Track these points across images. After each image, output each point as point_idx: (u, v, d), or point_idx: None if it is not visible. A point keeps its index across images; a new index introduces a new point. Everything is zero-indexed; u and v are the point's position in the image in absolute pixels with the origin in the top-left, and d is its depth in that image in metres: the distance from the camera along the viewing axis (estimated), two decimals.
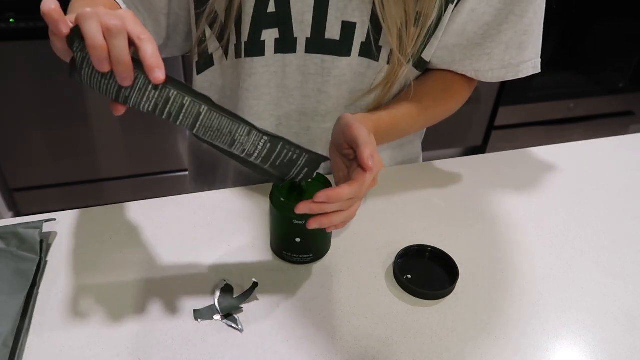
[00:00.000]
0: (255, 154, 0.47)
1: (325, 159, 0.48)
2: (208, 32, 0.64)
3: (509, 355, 0.48)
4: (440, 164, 0.75)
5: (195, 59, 0.69)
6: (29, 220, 0.60)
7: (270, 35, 0.61)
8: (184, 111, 0.45)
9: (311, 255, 0.56)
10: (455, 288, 0.55)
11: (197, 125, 0.46)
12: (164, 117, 0.45)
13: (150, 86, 0.43)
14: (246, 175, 0.74)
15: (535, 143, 1.04)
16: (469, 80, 0.68)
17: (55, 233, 0.60)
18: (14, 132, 1.50)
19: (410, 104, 0.65)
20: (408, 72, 0.66)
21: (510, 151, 0.79)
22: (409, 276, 0.55)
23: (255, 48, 0.62)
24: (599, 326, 0.51)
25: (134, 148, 1.66)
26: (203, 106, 0.44)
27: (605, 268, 0.58)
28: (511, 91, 1.95)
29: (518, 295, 0.54)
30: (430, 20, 0.59)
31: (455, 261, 0.56)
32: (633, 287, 0.56)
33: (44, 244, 0.58)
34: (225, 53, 0.66)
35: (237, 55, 0.64)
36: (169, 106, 0.44)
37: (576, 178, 0.73)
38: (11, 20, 1.35)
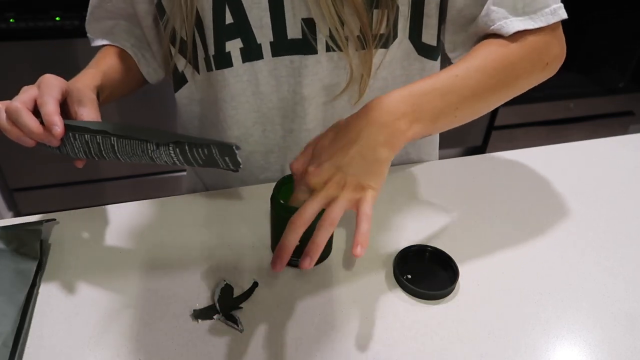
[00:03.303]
0: (177, 162, 0.48)
1: (231, 145, 0.44)
2: (172, 49, 0.65)
3: (509, 356, 0.48)
4: (440, 164, 0.75)
5: (171, 78, 0.71)
6: (29, 220, 0.60)
7: (234, 46, 0.61)
8: (102, 148, 0.49)
9: None
10: (455, 288, 0.55)
11: (118, 155, 0.49)
12: (96, 158, 0.51)
13: (70, 138, 0.50)
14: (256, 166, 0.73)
15: (535, 143, 1.05)
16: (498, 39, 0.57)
17: (56, 233, 0.60)
18: None
19: (448, 67, 0.54)
20: (406, 56, 0.64)
21: (510, 151, 0.79)
22: (409, 276, 0.55)
23: (223, 60, 0.62)
24: (599, 326, 0.51)
25: None
26: (112, 138, 0.48)
27: (605, 268, 0.58)
28: None
29: (518, 295, 0.54)
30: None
31: (455, 261, 0.56)
32: (633, 287, 0.56)
33: (44, 244, 0.58)
34: (196, 68, 0.66)
35: (209, 68, 0.64)
36: (92, 149, 0.50)
37: (576, 178, 0.73)
38: (11, 20, 1.35)
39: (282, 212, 0.52)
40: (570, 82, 2.07)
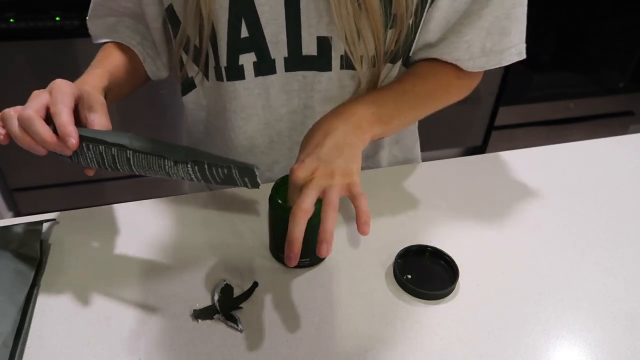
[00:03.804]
0: (194, 179, 0.47)
1: (253, 166, 0.45)
2: (184, 56, 0.65)
3: (509, 356, 0.48)
4: (440, 164, 0.75)
5: (179, 81, 0.70)
6: (29, 220, 0.60)
7: (247, 60, 0.61)
8: (117, 161, 0.48)
9: (308, 259, 0.56)
10: (455, 288, 0.55)
11: (133, 168, 0.49)
12: (109, 169, 0.50)
13: (83, 149, 0.48)
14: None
15: (535, 143, 1.05)
16: (459, 69, 0.64)
17: (56, 233, 0.60)
18: None
19: (398, 82, 0.63)
20: (394, 72, 0.65)
21: (510, 151, 0.79)
22: (409, 276, 0.55)
23: (235, 72, 0.62)
24: (599, 326, 0.51)
25: None
26: (128, 151, 0.47)
27: (605, 268, 0.58)
28: (511, 91, 1.95)
29: (518, 295, 0.54)
30: (411, 18, 0.58)
31: (455, 261, 0.56)
32: (633, 287, 0.56)
33: (44, 244, 0.58)
34: (206, 75, 0.66)
35: (218, 78, 0.64)
36: (105, 160, 0.49)
37: (576, 178, 0.73)
38: (11, 20, 1.35)
39: (280, 212, 0.52)
40: (570, 82, 2.07)
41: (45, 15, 1.37)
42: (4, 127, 0.48)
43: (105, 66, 0.62)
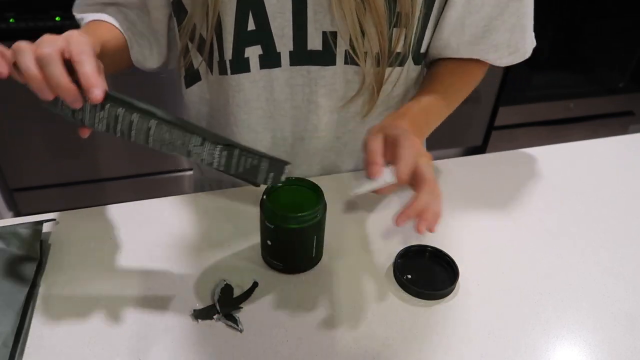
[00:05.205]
0: (215, 163, 0.46)
1: (286, 163, 0.45)
2: (190, 45, 0.64)
3: (509, 356, 0.48)
4: (440, 164, 0.75)
5: (183, 73, 0.69)
6: (29, 220, 0.60)
7: (253, 52, 0.61)
8: (134, 128, 0.45)
9: (281, 264, 0.55)
10: (455, 288, 0.55)
11: (150, 140, 0.46)
12: (117, 135, 0.46)
13: (98, 106, 0.44)
14: None
15: (535, 143, 1.05)
16: (484, 65, 0.69)
17: (56, 233, 0.60)
18: (14, 132, 1.50)
19: (431, 86, 0.65)
20: (407, 70, 0.65)
21: (510, 151, 0.79)
22: (409, 276, 0.55)
23: (240, 65, 0.62)
24: (599, 326, 0.51)
25: (134, 148, 1.66)
26: (152, 120, 0.45)
27: (605, 268, 0.58)
28: (511, 91, 1.95)
29: (518, 295, 0.54)
30: (416, 17, 0.58)
31: (455, 261, 0.56)
32: (633, 287, 0.56)
33: (44, 244, 0.58)
34: (210, 67, 0.66)
35: (222, 72, 0.64)
36: (119, 125, 0.45)
37: (576, 178, 0.73)
38: (11, 20, 1.35)
39: (270, 218, 0.51)
40: (570, 82, 2.06)
41: (45, 15, 1.37)
42: (15, 61, 0.43)
43: (98, 37, 0.57)
